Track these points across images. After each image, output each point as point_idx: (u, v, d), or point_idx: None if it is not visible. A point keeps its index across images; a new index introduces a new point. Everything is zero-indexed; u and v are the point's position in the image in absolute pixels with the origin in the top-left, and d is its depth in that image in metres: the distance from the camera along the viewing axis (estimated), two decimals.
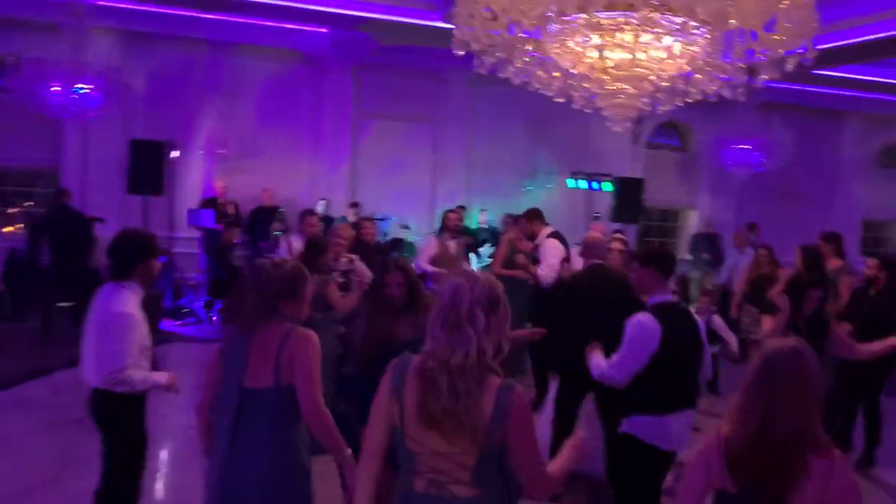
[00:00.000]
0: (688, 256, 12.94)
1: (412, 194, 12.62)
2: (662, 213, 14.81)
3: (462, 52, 5.01)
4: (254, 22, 10.90)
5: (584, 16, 4.60)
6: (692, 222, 14.43)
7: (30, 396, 6.45)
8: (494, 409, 2.11)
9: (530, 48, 4.91)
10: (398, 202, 12.24)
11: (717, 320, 7.09)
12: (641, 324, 3.59)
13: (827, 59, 10.12)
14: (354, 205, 11.55)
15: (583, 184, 11.98)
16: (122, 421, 3.41)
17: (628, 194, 11.03)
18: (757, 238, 12.19)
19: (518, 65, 5.08)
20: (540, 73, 5.07)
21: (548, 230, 6.93)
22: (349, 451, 2.82)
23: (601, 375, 3.77)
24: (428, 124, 12.69)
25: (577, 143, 12.68)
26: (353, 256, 5.93)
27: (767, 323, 4.60)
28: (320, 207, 11.47)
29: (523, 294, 6.60)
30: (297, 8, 9.58)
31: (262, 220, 10.87)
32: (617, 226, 11.14)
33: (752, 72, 5.02)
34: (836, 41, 9.40)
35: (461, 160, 12.98)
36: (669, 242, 14.84)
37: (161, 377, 3.48)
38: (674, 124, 14.07)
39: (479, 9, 4.85)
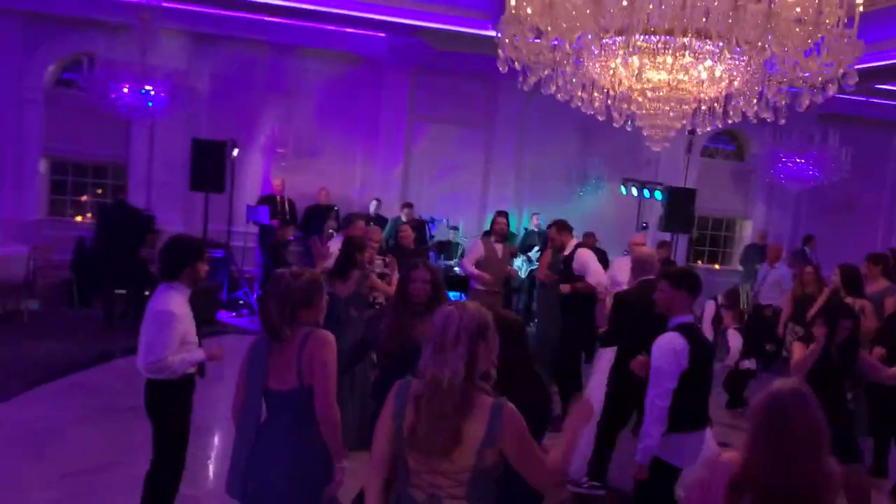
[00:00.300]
0: (739, 268, 12.80)
1: (463, 197, 12.81)
2: (717, 221, 14.62)
3: (505, 70, 5.21)
4: (314, 26, 11.25)
5: (622, 38, 4.73)
6: (747, 233, 14.21)
7: (89, 382, 6.74)
8: (487, 430, 2.28)
9: (569, 69, 5.04)
10: (449, 204, 12.42)
11: (733, 335, 7.21)
12: (670, 345, 3.71)
13: (887, 73, 9.94)
14: (408, 205, 11.78)
15: (634, 191, 11.98)
16: (165, 409, 3.74)
17: (679, 204, 10.96)
18: (812, 251, 11.99)
19: (559, 82, 5.22)
20: (580, 93, 5.19)
21: (574, 241, 7.08)
22: (344, 462, 3.03)
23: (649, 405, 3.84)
24: (481, 128, 12.84)
25: (629, 150, 12.62)
26: (389, 258, 6.13)
27: (798, 350, 4.60)
28: (372, 207, 11.77)
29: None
30: (355, 16, 9.86)
31: (317, 218, 11.20)
32: (666, 236, 11.14)
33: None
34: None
35: (512, 164, 13.08)
36: (723, 252, 14.68)
37: (199, 353, 3.78)
38: (731, 132, 13.88)
39: (523, 29, 5.03)
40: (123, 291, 9.28)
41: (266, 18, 11.07)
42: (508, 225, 9.37)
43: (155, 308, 3.67)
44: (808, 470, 2.17)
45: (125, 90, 8.88)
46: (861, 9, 4.77)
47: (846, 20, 4.60)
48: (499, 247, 7.96)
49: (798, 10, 4.46)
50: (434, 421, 2.28)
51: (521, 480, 2.49)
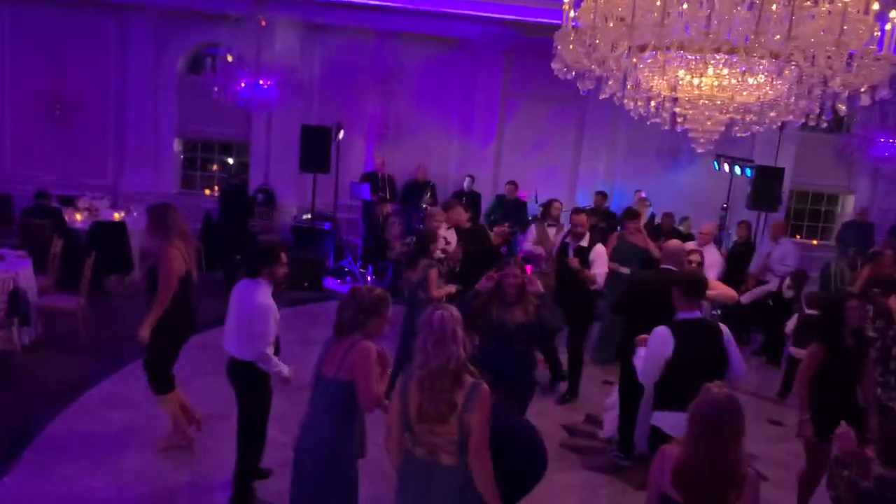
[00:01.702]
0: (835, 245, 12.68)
1: (555, 173, 13.32)
2: (817, 196, 14.38)
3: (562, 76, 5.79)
4: (414, 8, 11.97)
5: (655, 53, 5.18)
6: (849, 209, 13.92)
7: (209, 342, 7.78)
8: (464, 401, 3.05)
9: (618, 77, 5.52)
10: (541, 181, 12.96)
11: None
12: (657, 335, 4.34)
13: None
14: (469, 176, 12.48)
15: (727, 167, 12.07)
16: (252, 387, 4.59)
17: (766, 183, 11.05)
18: None
19: (611, 85, 5.71)
20: (628, 101, 5.68)
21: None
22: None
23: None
24: (573, 105, 13.18)
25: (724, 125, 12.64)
26: (449, 237, 6.89)
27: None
28: (466, 183, 12.49)
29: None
30: (450, 13, 10.57)
31: (415, 194, 12.09)
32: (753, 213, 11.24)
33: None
34: None
35: (605, 140, 13.41)
36: (822, 228, 14.45)
37: (284, 370, 4.53)
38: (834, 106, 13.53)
39: (579, 37, 5.56)
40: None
41: (371, 2, 11.89)
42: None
43: (249, 301, 4.44)
44: (726, 468, 2.77)
45: (242, 85, 9.99)
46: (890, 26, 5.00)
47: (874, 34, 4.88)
48: (552, 230, 8.25)
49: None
50: (435, 395, 3.07)
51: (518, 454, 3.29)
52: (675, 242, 6.15)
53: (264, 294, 4.49)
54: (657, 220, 11.42)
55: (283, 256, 4.64)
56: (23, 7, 12.46)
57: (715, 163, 12.44)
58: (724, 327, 4.57)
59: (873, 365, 5.29)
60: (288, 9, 11.37)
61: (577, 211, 7.54)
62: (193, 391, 5.99)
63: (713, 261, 7.74)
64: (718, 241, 10.79)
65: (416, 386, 3.13)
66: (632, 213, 8.33)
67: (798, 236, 14.20)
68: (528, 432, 3.99)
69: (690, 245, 7.73)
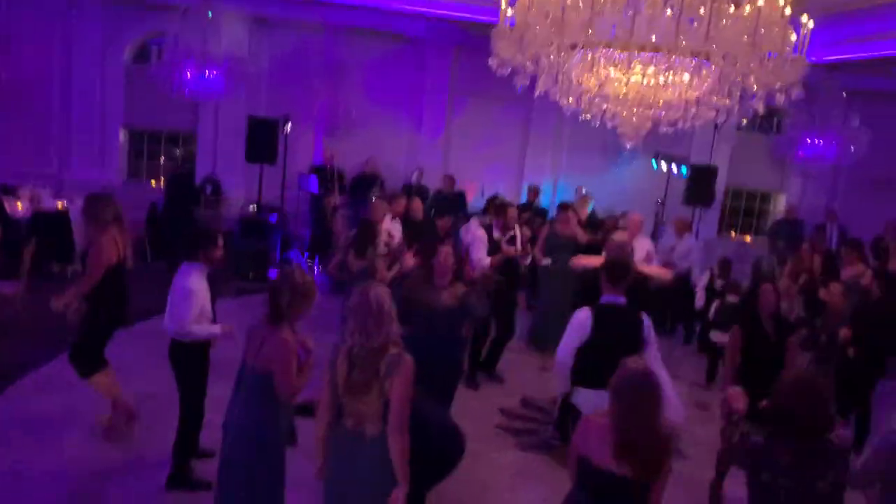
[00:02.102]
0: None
1: (501, 168, 13.61)
2: (752, 194, 14.96)
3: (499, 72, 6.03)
4: (361, 4, 12.11)
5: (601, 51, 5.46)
6: (781, 207, 14.51)
7: (151, 329, 7.82)
8: (385, 370, 3.25)
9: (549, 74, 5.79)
10: (488, 175, 13.25)
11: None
12: (577, 315, 4.62)
13: None
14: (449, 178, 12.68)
15: (664, 166, 12.51)
16: (185, 365, 4.75)
17: (701, 180, 11.50)
18: (832, 227, 12.27)
19: (544, 80, 5.97)
20: (561, 98, 5.95)
21: None
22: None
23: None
24: (519, 103, 13.41)
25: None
26: (393, 230, 7.12)
27: None
28: (414, 177, 12.68)
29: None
30: (396, 10, 10.77)
31: (363, 187, 12.20)
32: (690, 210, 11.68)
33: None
34: None
35: (549, 138, 13.75)
36: (757, 225, 15.04)
37: (216, 329, 4.73)
38: (769, 108, 14.10)
39: (515, 37, 5.81)
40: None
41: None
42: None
43: (178, 284, 4.62)
44: (659, 433, 3.00)
45: (188, 75, 10.00)
46: (808, 28, 5.36)
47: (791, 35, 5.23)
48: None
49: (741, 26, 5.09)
50: (365, 368, 3.26)
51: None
52: (618, 235, 6.44)
53: (195, 277, 4.63)
54: (598, 214, 11.74)
55: (220, 239, 4.77)
56: None
57: (653, 161, 12.88)
58: (645, 316, 4.83)
59: (798, 351, 5.59)
60: (236, 1, 11.38)
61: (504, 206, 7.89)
62: (138, 374, 6.11)
63: (644, 250, 8.10)
64: (654, 235, 11.21)
65: (346, 359, 3.31)
66: (562, 206, 8.62)
67: (733, 232, 14.77)
68: (443, 422, 4.18)
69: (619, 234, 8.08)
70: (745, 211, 15.09)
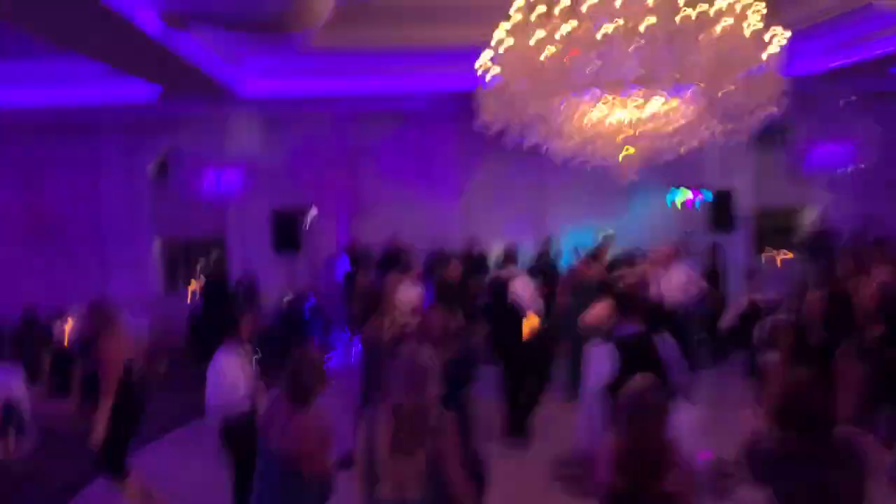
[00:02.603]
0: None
1: (522, 221, 13.79)
2: (779, 215, 14.77)
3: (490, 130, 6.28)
4: (358, 94, 12.59)
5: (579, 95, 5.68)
6: (809, 221, 14.31)
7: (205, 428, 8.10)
8: (431, 430, 3.36)
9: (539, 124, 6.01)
10: (509, 230, 13.42)
11: None
12: (598, 354, 4.66)
13: None
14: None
15: (682, 196, 12.53)
16: (239, 443, 4.91)
17: (721, 206, 11.51)
18: (871, 230, 12.06)
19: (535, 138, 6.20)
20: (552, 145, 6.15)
21: None
22: None
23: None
24: (530, 156, 13.66)
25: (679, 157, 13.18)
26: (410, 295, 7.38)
27: None
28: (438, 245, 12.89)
29: None
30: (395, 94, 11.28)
31: (391, 262, 12.47)
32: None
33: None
34: None
35: (566, 185, 13.84)
36: (789, 241, 14.80)
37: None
38: (779, 124, 14.10)
39: (500, 95, 6.07)
40: None
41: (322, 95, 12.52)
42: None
43: (216, 366, 4.92)
44: (654, 451, 3.11)
45: (208, 180, 10.52)
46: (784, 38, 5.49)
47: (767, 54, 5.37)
48: None
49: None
50: (411, 428, 3.32)
51: None
52: (624, 272, 6.50)
53: (225, 356, 4.83)
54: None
55: (246, 318, 5.00)
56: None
57: (668, 195, 12.84)
58: (662, 338, 4.86)
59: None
60: (245, 106, 11.98)
61: None
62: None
63: (680, 278, 8.07)
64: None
65: (391, 420, 3.34)
66: (583, 251, 8.74)
67: (770, 252, 14.60)
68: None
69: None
70: (776, 230, 14.91)
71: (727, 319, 8.71)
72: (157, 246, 13.94)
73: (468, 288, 9.21)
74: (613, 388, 4.66)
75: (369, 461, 3.38)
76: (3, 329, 10.07)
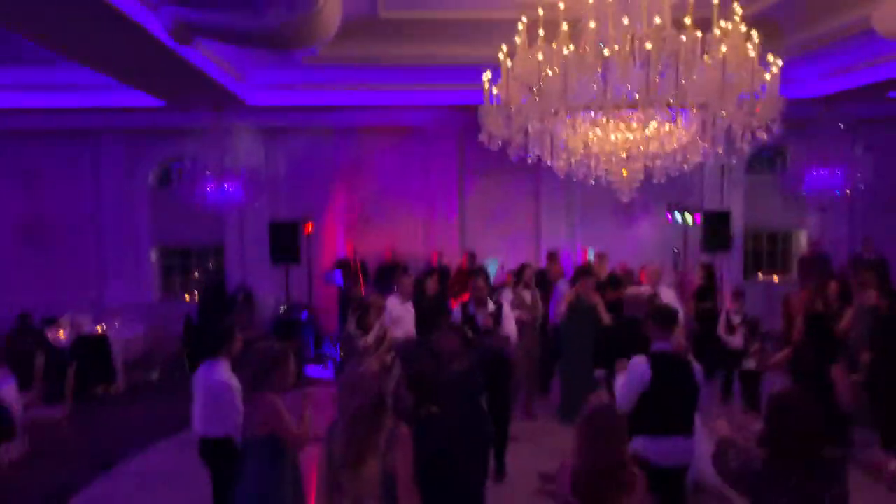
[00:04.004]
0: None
1: (518, 237, 13.87)
2: (773, 235, 14.89)
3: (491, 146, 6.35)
4: (363, 105, 12.66)
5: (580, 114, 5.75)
6: (803, 243, 14.42)
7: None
8: (386, 442, 3.40)
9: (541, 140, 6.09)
10: (505, 246, 13.50)
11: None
12: (636, 365, 4.68)
13: None
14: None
15: (678, 217, 12.63)
16: (222, 461, 4.85)
17: (716, 226, 11.62)
18: (868, 255, 12.16)
19: (536, 152, 6.27)
20: (553, 162, 6.23)
21: None
22: None
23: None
24: (527, 174, 13.78)
25: (675, 177, 13.29)
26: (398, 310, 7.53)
27: None
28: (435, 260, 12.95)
29: None
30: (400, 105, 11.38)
31: (387, 276, 12.52)
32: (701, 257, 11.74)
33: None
34: None
35: (562, 204, 14.00)
36: (783, 264, 14.93)
37: None
38: (772, 147, 14.25)
39: (501, 111, 6.15)
40: None
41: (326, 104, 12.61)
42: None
43: (216, 378, 4.82)
44: (610, 470, 3.16)
45: (209, 189, 10.55)
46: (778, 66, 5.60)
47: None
48: (526, 293, 9.04)
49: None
50: (356, 438, 3.37)
51: None
52: (631, 290, 6.55)
53: (224, 371, 4.85)
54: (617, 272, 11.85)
55: (238, 333, 5.02)
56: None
57: (666, 214, 12.95)
58: (694, 362, 4.89)
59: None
60: (248, 116, 12.03)
61: (475, 275, 8.15)
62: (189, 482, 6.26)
63: (667, 299, 8.13)
64: (677, 285, 11.23)
65: (343, 431, 3.40)
66: (583, 271, 8.78)
67: (760, 274, 14.70)
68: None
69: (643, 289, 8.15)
70: (768, 252, 15.03)
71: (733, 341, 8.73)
72: (154, 254, 13.94)
73: (444, 303, 9.28)
74: (645, 402, 4.68)
75: (330, 474, 3.43)
76: None
